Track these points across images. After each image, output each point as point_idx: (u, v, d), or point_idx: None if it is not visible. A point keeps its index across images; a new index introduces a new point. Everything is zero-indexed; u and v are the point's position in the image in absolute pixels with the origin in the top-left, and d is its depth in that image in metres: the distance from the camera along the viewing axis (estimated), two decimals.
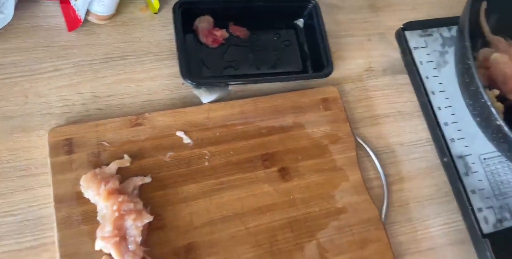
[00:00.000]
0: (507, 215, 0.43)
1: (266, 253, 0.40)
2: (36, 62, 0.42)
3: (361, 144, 0.48)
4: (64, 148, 0.39)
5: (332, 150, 0.46)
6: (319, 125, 0.47)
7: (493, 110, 0.37)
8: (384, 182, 0.47)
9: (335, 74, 0.51)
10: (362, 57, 0.54)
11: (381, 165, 0.47)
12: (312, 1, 0.50)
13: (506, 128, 0.37)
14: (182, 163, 0.41)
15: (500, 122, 0.37)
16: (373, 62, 0.54)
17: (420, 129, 0.51)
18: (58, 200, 0.37)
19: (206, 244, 0.39)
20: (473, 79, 0.38)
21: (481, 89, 0.38)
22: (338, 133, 0.47)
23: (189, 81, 0.43)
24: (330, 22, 0.54)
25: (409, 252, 0.45)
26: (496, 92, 0.46)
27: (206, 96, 0.45)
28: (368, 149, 0.48)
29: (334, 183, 0.44)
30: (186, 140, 0.42)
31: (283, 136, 0.45)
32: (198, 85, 0.44)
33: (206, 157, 0.42)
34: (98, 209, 0.37)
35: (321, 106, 0.47)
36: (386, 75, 0.53)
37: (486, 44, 0.50)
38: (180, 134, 0.42)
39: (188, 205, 0.40)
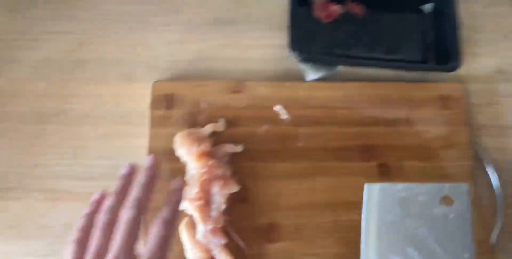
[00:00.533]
0: None
1: (351, 253, 0.36)
2: (151, 15, 0.42)
3: (480, 155, 0.41)
4: (164, 102, 0.38)
5: (443, 155, 0.40)
6: (433, 124, 0.40)
7: None
8: (499, 202, 0.39)
9: (460, 71, 0.44)
10: (494, 56, 0.46)
11: (500, 183, 0.40)
12: None
13: None
14: (276, 138, 0.38)
15: None
16: (507, 63, 0.46)
17: None
18: (152, 153, 0.37)
19: (289, 228, 0.36)
20: None
21: None
22: (454, 137, 0.40)
23: (297, 55, 0.40)
24: (463, 12, 0.46)
25: None
26: None
27: (311, 73, 0.41)
28: (487, 161, 0.40)
29: None
30: (284, 115, 0.39)
31: (389, 130, 0.40)
32: (305, 60, 0.41)
33: (302, 137, 0.39)
34: (187, 169, 0.36)
35: (439, 104, 0.41)
36: None
37: None
38: (278, 108, 0.39)
39: (277, 184, 0.37)
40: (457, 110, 0.41)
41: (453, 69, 0.42)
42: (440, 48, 0.44)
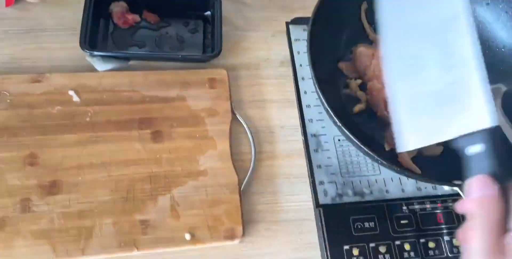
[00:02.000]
0: (349, 191, 0.47)
1: (121, 198, 0.46)
2: None
3: (241, 122, 0.53)
4: None
5: (207, 122, 0.52)
6: (201, 100, 0.53)
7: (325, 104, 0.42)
8: (253, 156, 0.52)
9: (234, 61, 0.57)
10: (263, 49, 0.60)
11: (255, 142, 0.52)
12: None
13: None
14: (66, 115, 0.49)
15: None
16: (272, 54, 0.60)
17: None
18: None
19: (69, 183, 0.46)
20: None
21: (314, 79, 0.43)
22: (217, 108, 0.53)
23: (86, 50, 0.51)
24: (239, 17, 0.61)
25: (265, 220, 0.49)
26: (359, 81, 0.50)
27: (100, 65, 0.52)
28: (245, 126, 0.53)
29: (202, 150, 0.50)
30: (75, 98, 0.50)
31: (164, 106, 0.52)
32: (92, 55, 0.52)
33: (89, 114, 0.49)
34: None
35: (207, 85, 0.54)
36: (282, 66, 0.59)
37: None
38: (71, 92, 0.50)
39: (63, 151, 0.47)
40: (221, 88, 0.54)
41: (208, 57, 0.55)
42: (213, 45, 0.57)
